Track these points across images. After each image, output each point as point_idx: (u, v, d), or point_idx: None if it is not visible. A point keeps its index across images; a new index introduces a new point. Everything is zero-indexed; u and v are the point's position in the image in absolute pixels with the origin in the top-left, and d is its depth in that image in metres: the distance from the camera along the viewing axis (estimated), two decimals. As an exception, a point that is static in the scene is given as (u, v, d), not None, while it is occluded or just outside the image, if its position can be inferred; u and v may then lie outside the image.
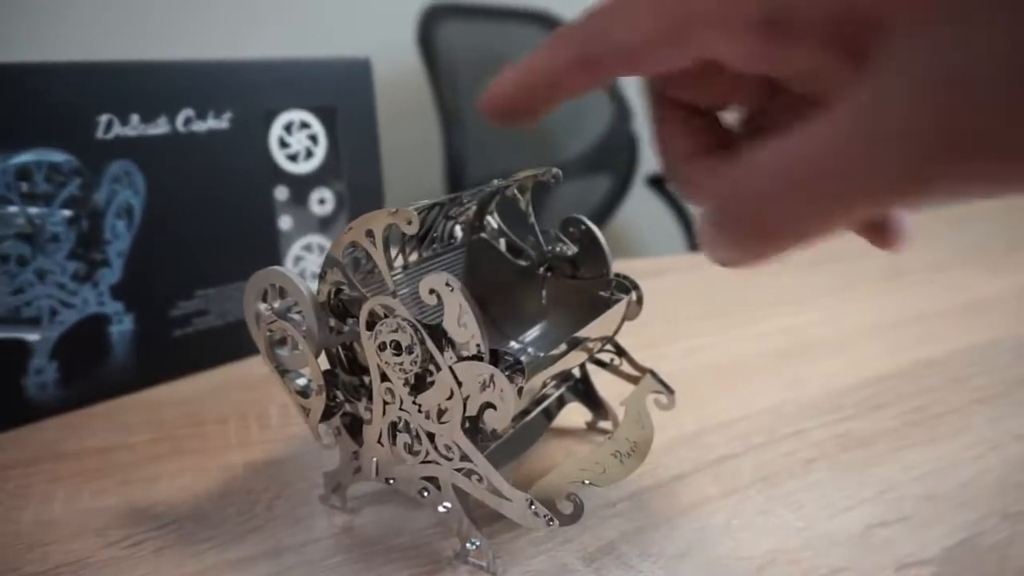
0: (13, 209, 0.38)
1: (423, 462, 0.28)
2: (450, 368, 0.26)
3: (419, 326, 0.26)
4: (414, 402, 0.27)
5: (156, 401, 0.43)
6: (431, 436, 0.27)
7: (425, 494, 0.29)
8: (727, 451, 0.36)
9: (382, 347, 0.27)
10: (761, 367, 0.46)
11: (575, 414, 0.38)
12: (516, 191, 0.34)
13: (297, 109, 0.47)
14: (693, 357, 0.48)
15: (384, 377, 0.28)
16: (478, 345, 0.25)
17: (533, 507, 0.26)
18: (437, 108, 1.13)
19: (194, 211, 0.44)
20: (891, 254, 0.22)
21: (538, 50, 0.20)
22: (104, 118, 0.40)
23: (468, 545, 0.28)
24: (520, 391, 0.25)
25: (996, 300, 0.56)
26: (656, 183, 1.40)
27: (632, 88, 1.36)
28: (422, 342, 0.26)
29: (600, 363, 0.36)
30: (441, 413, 0.27)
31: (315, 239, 0.50)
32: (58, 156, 0.39)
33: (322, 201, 0.50)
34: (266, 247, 0.48)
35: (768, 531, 0.30)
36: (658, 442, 0.38)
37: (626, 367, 0.35)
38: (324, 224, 0.50)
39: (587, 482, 0.28)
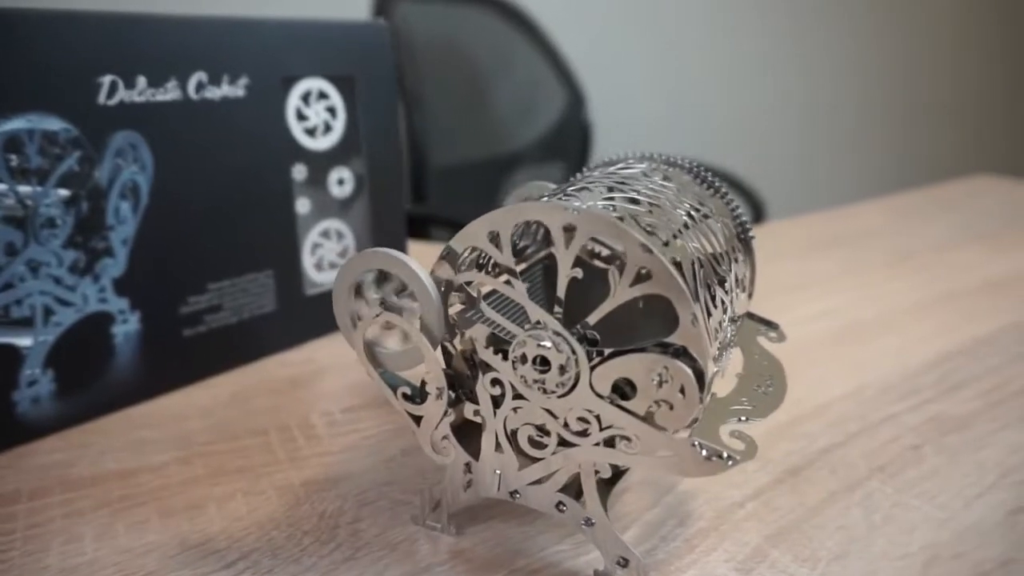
0: (1, 187, 0.31)
1: (555, 451, 0.24)
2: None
3: (578, 346, 0.22)
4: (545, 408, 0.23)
5: (173, 412, 0.37)
6: (555, 416, 0.24)
7: (563, 508, 0.25)
8: (829, 441, 0.34)
9: (522, 359, 0.23)
10: (818, 351, 0.44)
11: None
12: None
13: (315, 77, 0.42)
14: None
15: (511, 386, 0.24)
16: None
17: (704, 451, 0.22)
18: (398, 91, 1.07)
19: (206, 192, 0.38)
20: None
21: None
22: (107, 80, 0.33)
23: (616, 563, 0.25)
24: (704, 383, 0.22)
25: (1013, 278, 0.56)
26: (612, 171, 1.38)
27: (585, 76, 1.34)
28: (577, 364, 0.22)
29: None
30: (568, 389, 0.23)
31: (333, 224, 0.45)
32: (54, 123, 0.32)
33: (341, 182, 0.44)
34: (283, 234, 0.42)
35: (913, 525, 0.28)
36: (755, 434, 0.35)
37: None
38: (343, 207, 0.45)
39: (744, 419, 0.24)
